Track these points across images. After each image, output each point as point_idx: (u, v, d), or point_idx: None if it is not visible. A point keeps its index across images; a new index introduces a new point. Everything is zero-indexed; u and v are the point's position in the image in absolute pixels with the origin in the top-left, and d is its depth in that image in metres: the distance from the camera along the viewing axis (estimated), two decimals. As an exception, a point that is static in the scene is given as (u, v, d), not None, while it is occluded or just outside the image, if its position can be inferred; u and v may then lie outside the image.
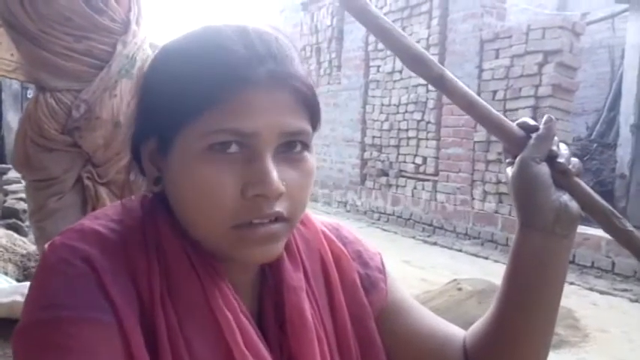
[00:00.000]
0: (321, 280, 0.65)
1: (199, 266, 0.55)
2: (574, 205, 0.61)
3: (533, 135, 0.61)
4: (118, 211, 0.58)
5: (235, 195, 0.51)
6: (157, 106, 0.54)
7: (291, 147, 0.54)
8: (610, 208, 0.61)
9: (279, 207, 0.52)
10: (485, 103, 0.62)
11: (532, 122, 0.62)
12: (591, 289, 4.40)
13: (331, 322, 0.63)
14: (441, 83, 0.61)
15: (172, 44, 0.57)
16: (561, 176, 0.60)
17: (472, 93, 0.62)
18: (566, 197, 0.60)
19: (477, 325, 0.70)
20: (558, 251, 0.62)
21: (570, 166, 0.60)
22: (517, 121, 0.63)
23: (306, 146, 0.55)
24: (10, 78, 2.00)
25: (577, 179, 0.61)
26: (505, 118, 0.62)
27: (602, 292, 4.33)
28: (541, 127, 0.61)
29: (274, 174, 0.51)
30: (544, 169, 0.60)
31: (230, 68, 0.51)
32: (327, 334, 0.61)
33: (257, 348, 0.54)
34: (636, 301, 4.15)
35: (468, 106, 0.61)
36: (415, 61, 0.61)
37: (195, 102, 0.51)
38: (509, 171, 0.63)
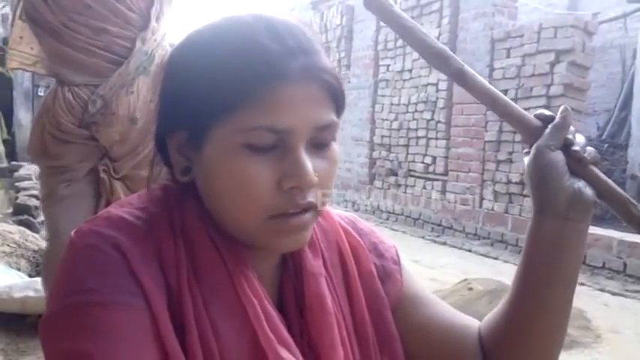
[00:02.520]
0: (339, 270, 0.66)
1: (225, 253, 0.56)
2: (588, 191, 0.61)
3: (549, 124, 0.62)
4: (142, 200, 0.59)
5: (271, 187, 0.53)
6: (187, 99, 0.55)
7: (322, 139, 0.56)
8: (626, 195, 0.62)
9: (311, 197, 0.55)
10: (504, 96, 0.63)
11: (549, 113, 0.63)
12: (602, 290, 4.37)
13: (349, 310, 0.64)
14: (461, 78, 0.62)
15: (200, 36, 0.57)
16: (577, 164, 0.61)
17: (492, 87, 0.63)
18: (580, 184, 0.61)
19: (492, 315, 0.70)
20: (573, 237, 0.62)
21: (586, 155, 0.61)
22: (534, 113, 0.64)
23: (333, 137, 0.57)
24: (30, 71, 2.03)
25: (593, 167, 0.62)
26: (523, 111, 0.64)
27: (613, 294, 4.29)
28: (557, 116, 0.62)
29: (309, 166, 0.53)
30: (559, 156, 0.61)
31: (266, 64, 0.51)
32: (345, 321, 0.63)
33: (281, 333, 0.55)
34: (648, 302, 4.12)
35: (489, 100, 0.63)
36: (437, 58, 0.62)
37: (230, 97, 0.52)
38: (526, 160, 0.64)
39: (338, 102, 0.57)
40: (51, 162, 1.69)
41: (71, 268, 0.51)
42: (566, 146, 0.61)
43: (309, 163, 0.53)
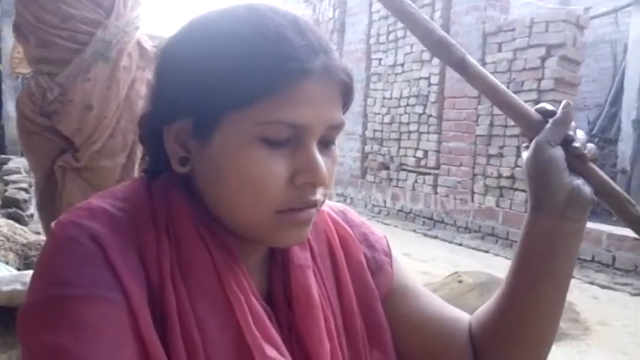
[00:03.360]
0: (328, 261, 0.65)
1: (212, 247, 0.55)
2: (587, 189, 0.60)
3: (550, 119, 0.61)
4: (125, 190, 0.57)
5: (284, 182, 0.53)
6: (197, 88, 0.52)
7: (329, 137, 0.56)
8: (624, 194, 0.61)
9: (319, 194, 0.55)
10: (504, 87, 0.62)
11: (550, 107, 0.62)
12: (592, 283, 4.41)
13: (338, 302, 0.64)
14: (462, 67, 0.61)
15: (213, 22, 0.54)
16: (576, 161, 0.61)
17: (492, 77, 0.62)
18: (579, 181, 0.60)
19: (484, 309, 0.70)
20: (568, 235, 0.61)
21: (586, 151, 0.60)
22: (536, 107, 0.63)
23: (338, 136, 0.57)
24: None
25: (592, 165, 0.61)
26: (524, 104, 0.62)
27: (602, 286, 4.33)
28: (559, 111, 0.61)
29: (322, 163, 0.53)
30: (558, 152, 0.60)
31: (292, 59, 0.50)
32: (333, 313, 0.62)
33: (267, 330, 0.54)
34: (637, 295, 4.16)
35: (489, 90, 0.62)
36: (437, 46, 0.61)
37: (251, 89, 0.50)
38: (525, 154, 0.63)
39: (347, 102, 0.57)
40: (25, 154, 1.71)
41: (50, 259, 0.50)
42: (567, 142, 0.60)
43: (321, 159, 0.53)
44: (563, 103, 0.62)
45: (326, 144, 0.56)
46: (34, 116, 1.64)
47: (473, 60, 0.61)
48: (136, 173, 1.63)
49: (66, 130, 1.64)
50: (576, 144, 0.60)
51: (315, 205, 0.55)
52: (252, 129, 0.51)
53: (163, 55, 0.57)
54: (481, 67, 0.62)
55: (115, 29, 1.64)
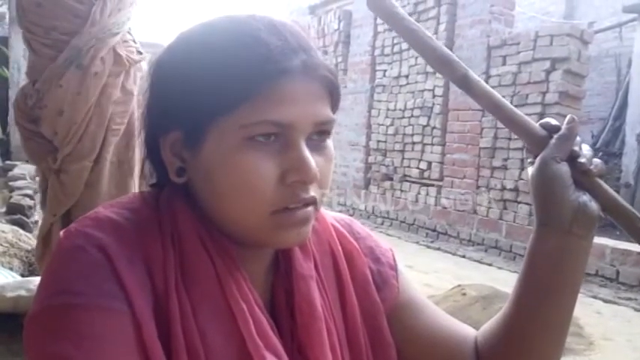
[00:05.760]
0: (332, 272, 0.65)
1: (216, 256, 0.55)
2: (593, 205, 0.60)
3: (555, 135, 0.60)
4: (133, 200, 0.58)
5: (275, 181, 0.53)
6: (184, 99, 0.54)
7: (319, 135, 0.56)
8: (633, 210, 0.60)
9: (313, 191, 0.55)
10: (509, 103, 0.62)
11: (554, 122, 0.62)
12: (595, 297, 4.38)
13: (341, 314, 0.63)
14: (465, 84, 0.61)
15: (195, 35, 0.56)
16: (582, 176, 0.60)
17: (496, 94, 0.62)
18: (585, 197, 0.60)
19: (490, 325, 0.69)
20: (575, 252, 0.61)
21: (592, 167, 0.60)
22: (540, 122, 0.62)
23: (329, 133, 0.57)
24: None
25: (599, 180, 0.60)
26: (528, 119, 0.62)
27: (606, 301, 4.31)
28: (563, 126, 0.61)
29: (312, 160, 0.53)
30: (564, 168, 0.59)
31: (268, 60, 0.51)
32: (336, 325, 0.62)
33: (270, 339, 0.54)
34: (640, 310, 4.13)
35: (493, 106, 0.61)
36: (440, 62, 0.61)
37: (232, 95, 0.51)
38: (530, 170, 0.62)
39: (334, 98, 0.58)
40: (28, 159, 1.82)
41: (57, 268, 0.51)
42: (572, 158, 0.60)
43: (311, 157, 0.53)
44: (568, 118, 0.61)
45: (316, 142, 0.56)
46: (24, 122, 1.72)
47: (476, 76, 0.61)
48: (105, 177, 1.72)
49: (47, 134, 1.71)
50: (582, 159, 0.59)
51: (310, 203, 0.55)
52: (238, 132, 0.52)
53: (155, 67, 0.58)
54: (485, 84, 0.61)
55: (89, 36, 1.68)
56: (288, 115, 0.52)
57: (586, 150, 0.61)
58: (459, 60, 0.61)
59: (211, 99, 0.52)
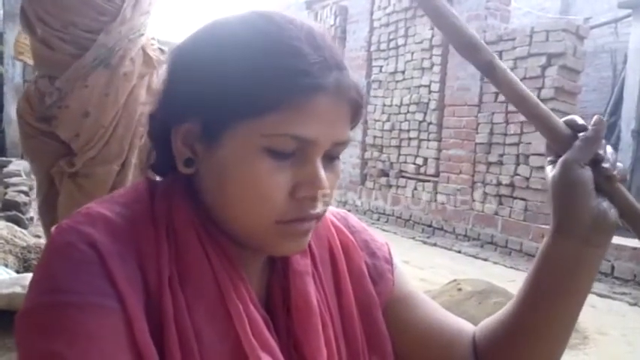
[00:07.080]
0: (329, 267, 0.65)
1: (212, 254, 0.55)
2: (613, 213, 0.57)
3: (580, 136, 0.57)
4: (126, 195, 0.57)
5: (285, 194, 0.53)
6: (209, 94, 0.52)
7: (334, 153, 0.56)
8: None
9: (320, 207, 0.55)
10: (533, 96, 0.58)
11: (580, 121, 0.58)
12: (590, 292, 4.39)
13: (337, 309, 0.63)
14: (491, 72, 0.57)
15: (229, 29, 0.54)
16: (605, 182, 0.56)
17: (521, 85, 0.57)
18: (605, 204, 0.57)
19: (491, 323, 0.68)
20: (589, 261, 0.59)
21: (615, 172, 0.57)
22: (564, 119, 0.59)
23: (342, 152, 0.57)
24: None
25: (620, 186, 0.57)
26: (553, 115, 0.58)
27: (601, 295, 4.33)
28: (590, 127, 0.57)
29: (324, 178, 0.53)
30: (587, 173, 0.56)
31: (305, 74, 0.50)
32: (332, 320, 0.61)
33: (265, 339, 0.54)
34: (635, 304, 4.15)
35: (516, 98, 0.57)
36: (466, 46, 0.57)
37: (261, 102, 0.50)
38: (550, 171, 0.59)
39: (356, 119, 0.57)
40: (25, 157, 1.76)
41: (48, 265, 0.50)
42: (596, 161, 0.56)
43: (324, 174, 0.53)
44: (595, 118, 0.57)
45: (330, 158, 0.56)
46: (32, 120, 1.63)
47: (502, 64, 0.57)
48: (129, 181, 1.62)
49: (64, 135, 1.62)
50: (606, 164, 0.56)
51: (315, 217, 0.55)
52: (259, 140, 0.51)
53: (180, 53, 0.56)
54: (511, 73, 0.57)
55: (118, 35, 1.60)
56: (312, 132, 0.51)
57: (610, 152, 0.58)
58: (486, 46, 0.57)
59: (238, 100, 0.51)
